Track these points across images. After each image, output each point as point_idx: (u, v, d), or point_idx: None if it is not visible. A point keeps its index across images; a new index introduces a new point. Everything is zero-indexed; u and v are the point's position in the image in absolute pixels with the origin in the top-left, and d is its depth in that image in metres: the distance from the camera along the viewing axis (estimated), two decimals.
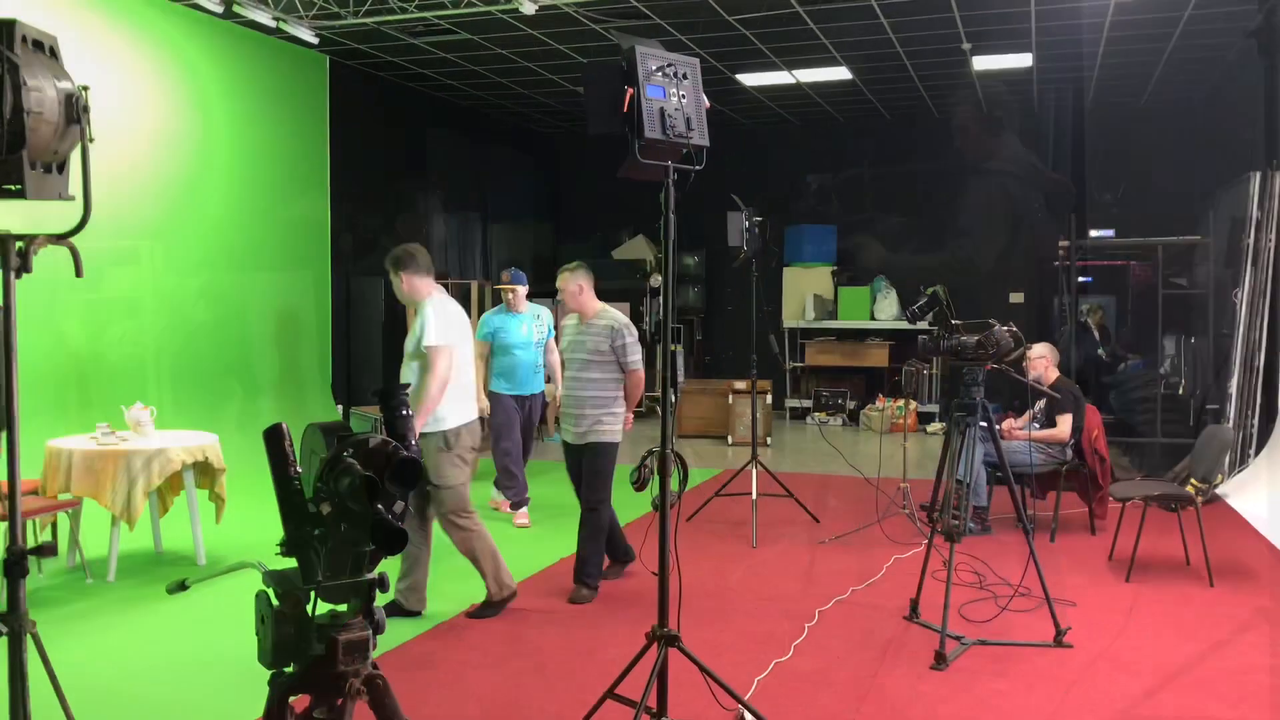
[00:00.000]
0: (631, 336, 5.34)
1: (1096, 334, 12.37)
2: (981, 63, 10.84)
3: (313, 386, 10.34)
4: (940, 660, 4.30)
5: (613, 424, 5.37)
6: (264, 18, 8.58)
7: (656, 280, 13.72)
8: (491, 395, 7.19)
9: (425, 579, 5.04)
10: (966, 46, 10.16)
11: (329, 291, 10.72)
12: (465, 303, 11.69)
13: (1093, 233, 11.87)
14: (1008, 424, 6.91)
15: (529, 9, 8.44)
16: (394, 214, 12.16)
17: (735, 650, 4.51)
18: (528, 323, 7.24)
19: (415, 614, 4.96)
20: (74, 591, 5.42)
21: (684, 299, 14.31)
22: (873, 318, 13.18)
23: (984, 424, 4.78)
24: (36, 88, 1.96)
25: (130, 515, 5.58)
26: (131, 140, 8.23)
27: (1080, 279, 11.11)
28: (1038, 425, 6.79)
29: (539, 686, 4.14)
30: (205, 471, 6.07)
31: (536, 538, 6.81)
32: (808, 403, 13.29)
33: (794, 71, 11.33)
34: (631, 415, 5.62)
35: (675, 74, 3.44)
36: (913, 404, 12.02)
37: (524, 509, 7.27)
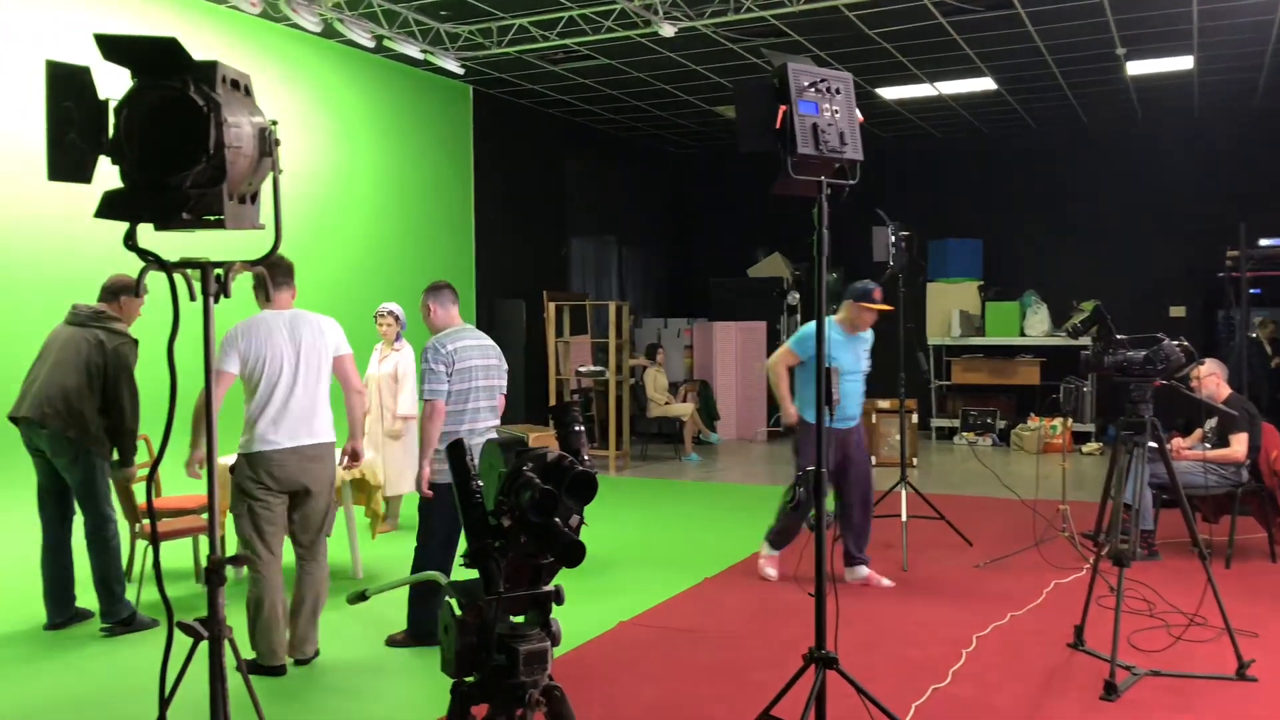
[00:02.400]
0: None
1: (1269, 348, 11.65)
2: (1136, 67, 10.39)
3: None
4: (1111, 691, 4.10)
5: None
6: (413, 50, 8.93)
7: (794, 298, 13.60)
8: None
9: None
10: (1121, 51, 9.77)
11: (473, 314, 11.03)
12: (603, 323, 11.83)
13: (1262, 241, 11.18)
14: (1175, 443, 6.56)
15: (668, 31, 8.54)
16: (533, 237, 12.44)
17: (891, 675, 4.40)
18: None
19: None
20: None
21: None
22: (1022, 334, 12.73)
23: (1153, 444, 4.55)
24: (235, 124, 2.08)
25: None
26: (287, 171, 8.66)
27: (1250, 290, 10.47)
28: (1208, 445, 6.42)
29: (688, 705, 4.13)
30: (361, 488, 6.30)
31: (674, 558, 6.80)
32: (954, 422, 12.92)
33: (936, 84, 11.11)
34: None
35: (828, 89, 3.41)
36: (1069, 423, 11.54)
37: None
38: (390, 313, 7.14)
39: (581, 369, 11.05)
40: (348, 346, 4.68)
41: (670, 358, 13.13)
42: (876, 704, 3.45)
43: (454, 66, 9.47)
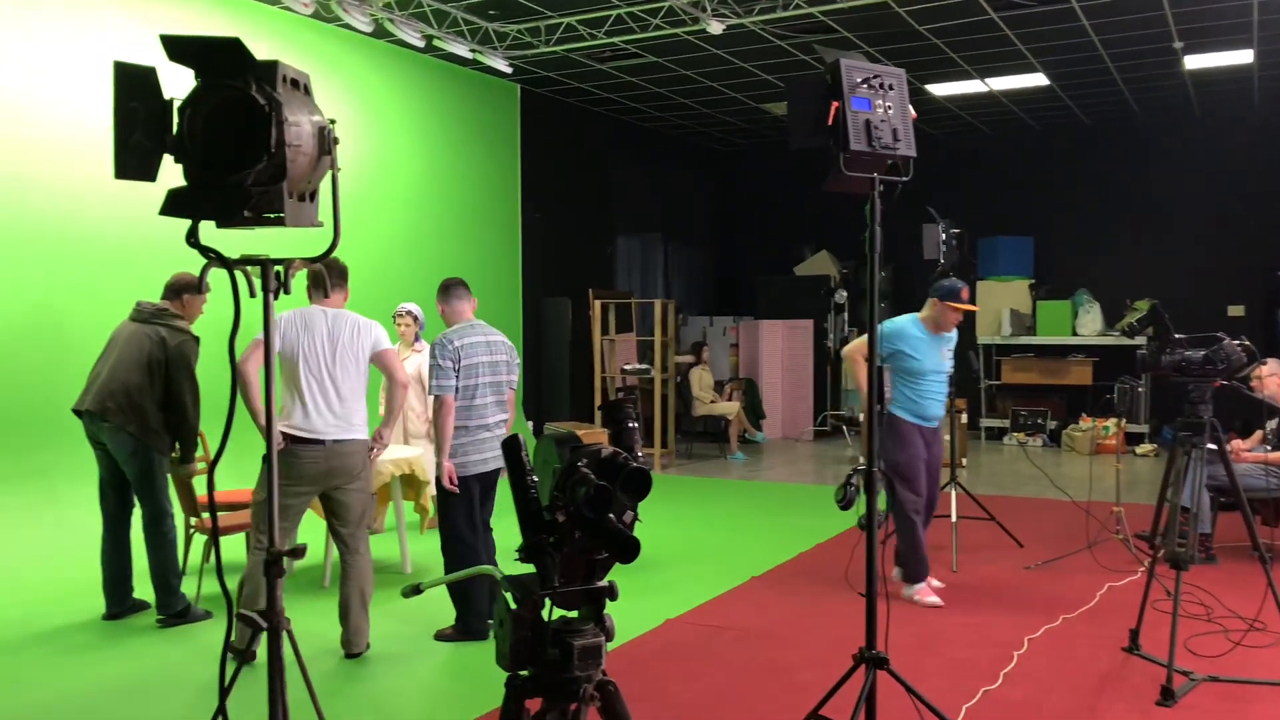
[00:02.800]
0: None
1: None
2: (1194, 61, 10.18)
3: None
4: (1168, 696, 4.02)
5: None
6: (462, 50, 9.00)
7: (842, 295, 13.50)
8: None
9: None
10: (1178, 45, 9.58)
11: (520, 312, 11.09)
12: (648, 322, 11.84)
13: None
14: (1234, 445, 6.42)
15: (716, 29, 8.52)
16: (579, 236, 12.48)
17: (940, 676, 4.36)
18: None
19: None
20: (296, 594, 5.77)
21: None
22: (1074, 333, 12.53)
23: (1212, 445, 4.46)
24: (295, 123, 2.11)
25: None
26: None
27: None
28: (1268, 448, 6.28)
29: (735, 703, 4.12)
30: (411, 484, 6.36)
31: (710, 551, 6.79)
32: (1003, 422, 12.76)
33: (987, 80, 10.97)
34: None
35: (881, 85, 3.38)
36: (1123, 424, 11.34)
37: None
38: (408, 312, 7.11)
39: (627, 367, 11.07)
40: (388, 342, 4.74)
41: (716, 356, 13.10)
42: (928, 705, 3.42)
43: (502, 65, 9.53)
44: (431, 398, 4.85)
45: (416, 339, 7.15)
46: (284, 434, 4.44)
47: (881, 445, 5.49)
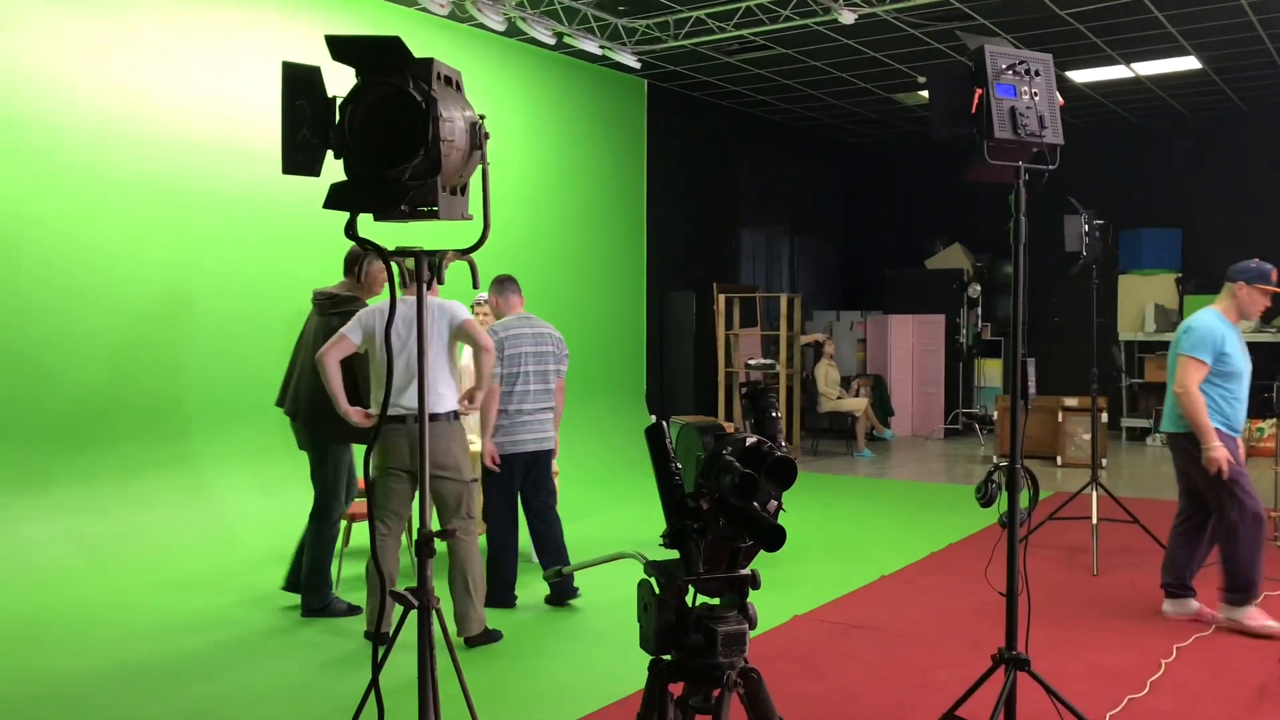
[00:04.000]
0: None
1: None
2: None
3: (628, 396, 10.80)
4: None
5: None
6: (591, 46, 9.10)
7: (975, 290, 13.14)
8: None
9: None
10: None
11: (644, 306, 11.17)
12: (773, 316, 11.78)
13: None
14: None
15: (848, 19, 8.39)
16: (704, 229, 12.48)
17: (1082, 682, 4.21)
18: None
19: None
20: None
21: (1005, 309, 13.62)
22: None
23: None
24: (449, 119, 2.19)
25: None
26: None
27: None
28: None
29: (865, 702, 4.07)
30: None
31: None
32: (1146, 422, 12.22)
33: (1133, 65, 10.50)
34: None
35: (1027, 71, 3.29)
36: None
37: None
38: (486, 301, 6.84)
39: (751, 362, 11.03)
40: (466, 313, 4.71)
41: (842, 351, 12.93)
42: (1071, 709, 3.31)
43: (631, 61, 9.60)
44: None
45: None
46: (374, 415, 4.59)
47: (1189, 459, 4.93)
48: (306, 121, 2.17)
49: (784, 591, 5.60)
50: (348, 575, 5.85)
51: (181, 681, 4.29)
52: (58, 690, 4.19)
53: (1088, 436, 10.11)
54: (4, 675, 4.36)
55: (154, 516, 6.51)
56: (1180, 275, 12.49)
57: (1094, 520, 6.21)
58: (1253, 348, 11.82)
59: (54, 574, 5.78)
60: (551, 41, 8.90)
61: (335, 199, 2.20)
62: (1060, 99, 3.38)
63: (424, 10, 8.18)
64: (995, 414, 11.72)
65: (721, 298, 11.17)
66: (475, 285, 4.22)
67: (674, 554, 1.92)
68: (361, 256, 5.21)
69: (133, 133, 6.68)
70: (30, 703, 4.06)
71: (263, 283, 7.37)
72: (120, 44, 6.62)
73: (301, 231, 7.55)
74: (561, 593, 5.40)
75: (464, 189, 2.34)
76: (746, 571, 1.94)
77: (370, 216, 2.26)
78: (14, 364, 6.11)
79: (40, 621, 5.10)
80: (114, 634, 4.91)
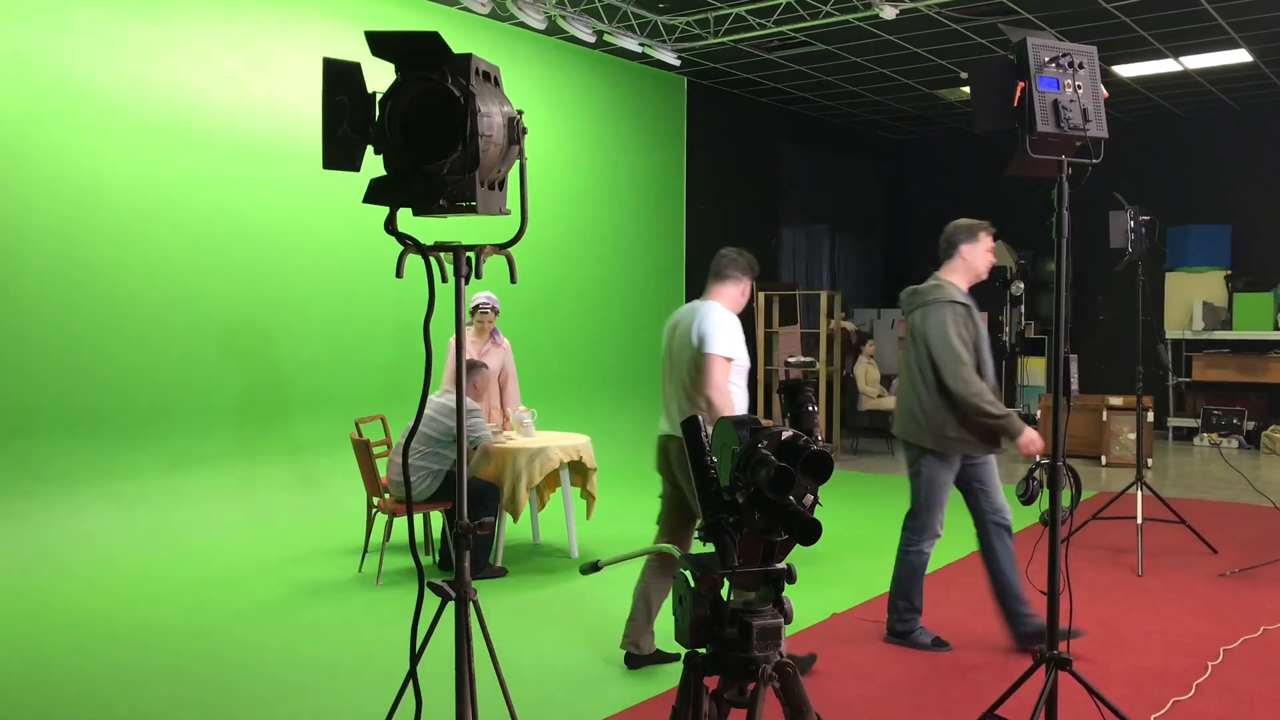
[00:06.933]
0: None
1: None
2: None
3: None
4: None
5: None
6: (631, 44, 9.11)
7: (1018, 287, 12.98)
8: None
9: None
10: None
11: (683, 303, 11.12)
12: (813, 314, 11.71)
13: None
14: None
15: (889, 14, 8.33)
16: (744, 227, 12.43)
17: (1125, 683, 4.15)
18: None
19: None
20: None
21: (1048, 307, 13.43)
22: (1276, 328, 11.65)
23: None
24: (487, 114, 2.20)
25: (515, 508, 6.07)
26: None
27: None
28: None
29: (905, 702, 4.04)
30: (578, 470, 6.49)
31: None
32: (1193, 422, 12.00)
33: (1181, 58, 10.32)
34: None
35: (1070, 64, 3.24)
36: None
37: None
38: (488, 304, 6.48)
39: (790, 360, 10.97)
40: (712, 345, 4.13)
41: (883, 349, 12.82)
42: (1115, 710, 3.26)
43: (670, 58, 9.59)
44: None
45: (494, 332, 6.65)
46: None
47: None
48: (346, 117, 2.19)
49: (823, 589, 5.58)
50: (389, 568, 5.91)
51: (231, 669, 4.36)
52: (109, 683, 4.27)
53: (1133, 436, 9.95)
54: (58, 667, 4.45)
55: (198, 510, 6.67)
56: (1229, 273, 12.26)
57: (1139, 520, 6.11)
58: None
59: (108, 567, 5.94)
60: (591, 39, 8.92)
61: (375, 194, 2.22)
62: (1105, 92, 3.33)
63: (465, 9, 8.23)
64: (1038, 412, 11.56)
65: (761, 295, 11.13)
66: (513, 280, 4.24)
67: (710, 548, 1.92)
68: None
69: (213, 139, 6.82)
70: (83, 697, 4.15)
71: (296, 290, 7.48)
72: (170, 47, 6.75)
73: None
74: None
75: (502, 184, 2.35)
76: (782, 566, 1.93)
77: (410, 211, 2.29)
78: (78, 362, 6.39)
79: (98, 612, 5.21)
80: (166, 625, 5.00)
